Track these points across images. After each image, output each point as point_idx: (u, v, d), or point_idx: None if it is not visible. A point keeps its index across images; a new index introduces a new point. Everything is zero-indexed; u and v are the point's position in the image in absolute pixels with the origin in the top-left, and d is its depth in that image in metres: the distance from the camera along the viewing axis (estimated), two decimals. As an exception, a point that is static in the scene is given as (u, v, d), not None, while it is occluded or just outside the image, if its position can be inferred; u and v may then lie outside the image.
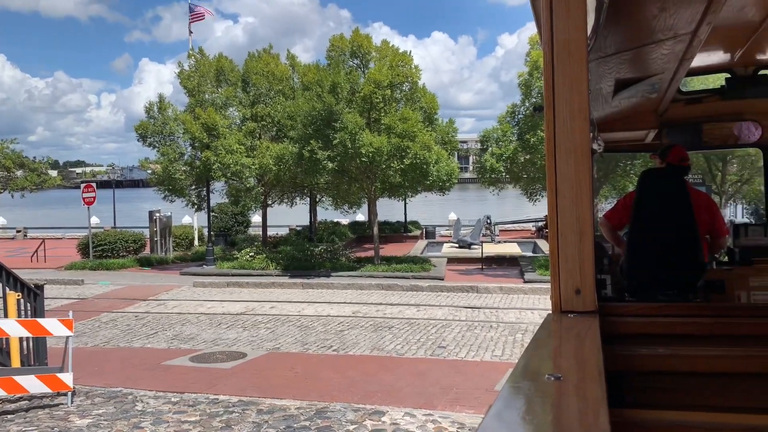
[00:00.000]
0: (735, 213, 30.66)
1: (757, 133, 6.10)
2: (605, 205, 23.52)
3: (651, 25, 3.28)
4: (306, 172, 21.56)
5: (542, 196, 23.97)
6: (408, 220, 34.16)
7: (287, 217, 34.71)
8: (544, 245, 27.15)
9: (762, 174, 6.53)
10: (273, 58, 26.35)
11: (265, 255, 23.41)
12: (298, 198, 28.94)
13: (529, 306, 16.45)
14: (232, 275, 21.87)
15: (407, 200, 30.01)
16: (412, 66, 22.31)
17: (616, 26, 3.17)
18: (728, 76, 5.67)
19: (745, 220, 27.85)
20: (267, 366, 10.75)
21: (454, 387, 9.09)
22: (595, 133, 4.44)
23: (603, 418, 0.98)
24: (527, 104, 22.84)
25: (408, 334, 13.22)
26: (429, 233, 33.57)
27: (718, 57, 5.41)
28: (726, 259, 6.38)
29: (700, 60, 5.42)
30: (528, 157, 22.66)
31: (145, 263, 25.36)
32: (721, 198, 25.82)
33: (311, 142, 20.47)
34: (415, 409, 8.01)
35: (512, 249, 27.33)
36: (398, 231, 33.31)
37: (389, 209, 35.10)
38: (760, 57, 5.28)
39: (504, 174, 24.06)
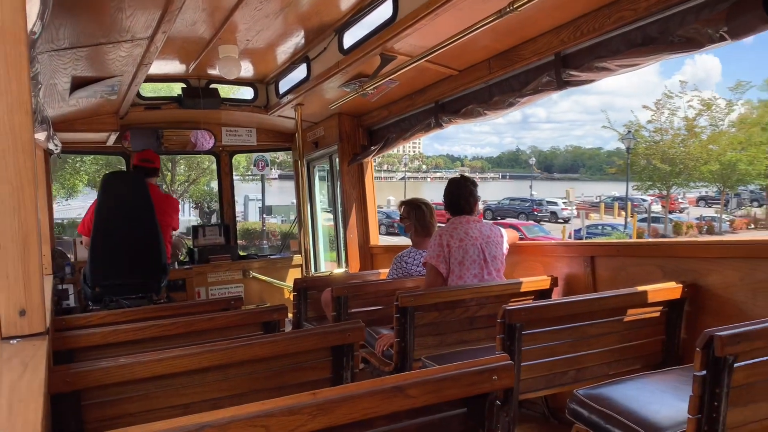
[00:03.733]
0: (183, 210, 33.38)
1: (210, 142, 6.69)
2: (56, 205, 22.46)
3: (109, 24, 3.17)
4: None
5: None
6: None
7: None
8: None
9: (216, 177, 7.21)
10: None
11: None
12: None
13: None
14: None
15: None
16: None
17: (71, 18, 2.95)
18: (184, 86, 6.03)
19: (194, 217, 30.70)
20: None
21: None
22: (51, 132, 4.08)
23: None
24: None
25: None
26: None
27: (174, 67, 5.69)
28: (187, 258, 6.79)
29: (159, 68, 5.59)
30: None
31: None
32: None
33: None
34: None
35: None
36: None
37: None
38: (211, 71, 5.79)
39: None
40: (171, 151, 6.90)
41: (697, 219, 37.74)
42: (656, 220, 35.59)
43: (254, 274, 6.83)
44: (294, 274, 6.72)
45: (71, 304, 5.34)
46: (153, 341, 2.69)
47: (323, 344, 2.35)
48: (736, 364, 1.87)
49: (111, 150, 6.56)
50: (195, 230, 6.91)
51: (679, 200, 38.92)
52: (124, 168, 6.63)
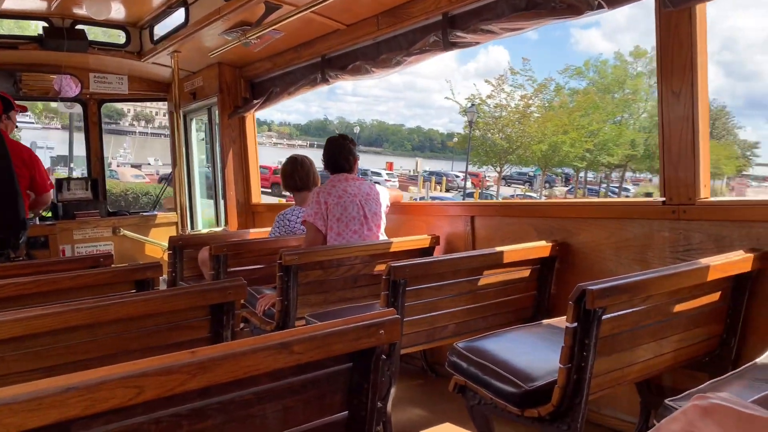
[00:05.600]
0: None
1: (77, 89, 6.16)
2: None
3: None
4: None
5: None
6: None
7: None
8: None
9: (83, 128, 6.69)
10: None
11: None
12: None
13: None
14: None
15: None
16: None
17: None
18: (45, 25, 5.48)
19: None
20: None
21: None
22: None
23: None
24: None
25: None
26: None
27: (34, 3, 5.15)
28: (50, 214, 6.29)
29: (15, 2, 5.05)
30: None
31: None
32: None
33: None
34: None
35: None
36: None
37: None
38: (77, 11, 5.29)
39: None
40: (31, 97, 6.28)
41: (520, 196, 40.39)
42: (477, 195, 37.46)
43: (125, 231, 6.46)
44: (169, 232, 6.41)
45: None
46: (10, 301, 2.46)
47: (202, 302, 2.25)
48: (604, 317, 1.99)
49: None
50: (59, 183, 6.39)
51: (486, 178, 42.06)
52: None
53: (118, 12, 5.33)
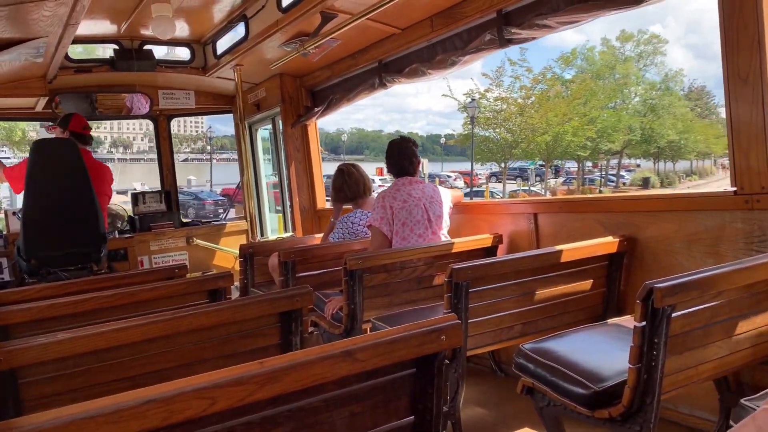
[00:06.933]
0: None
1: (147, 106, 6.44)
2: None
3: (28, -19, 2.97)
4: None
5: None
6: None
7: None
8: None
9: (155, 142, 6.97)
10: None
11: None
12: None
13: None
14: None
15: None
16: None
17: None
18: (116, 47, 5.76)
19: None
20: None
21: None
22: None
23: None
24: None
25: None
26: None
27: (105, 27, 5.42)
28: (128, 227, 6.59)
29: (88, 28, 5.32)
30: None
31: None
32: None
33: None
34: None
35: None
36: None
37: None
38: (144, 32, 5.53)
39: None
40: (105, 116, 6.61)
41: (525, 191, 39.37)
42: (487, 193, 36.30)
43: (198, 241, 6.70)
44: (239, 240, 6.61)
45: (5, 278, 5.13)
46: (93, 314, 2.61)
47: (271, 311, 2.32)
48: (673, 314, 1.94)
49: (41, 116, 6.25)
50: (135, 197, 6.70)
51: (478, 175, 41.18)
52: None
53: (182, 31, 5.55)
